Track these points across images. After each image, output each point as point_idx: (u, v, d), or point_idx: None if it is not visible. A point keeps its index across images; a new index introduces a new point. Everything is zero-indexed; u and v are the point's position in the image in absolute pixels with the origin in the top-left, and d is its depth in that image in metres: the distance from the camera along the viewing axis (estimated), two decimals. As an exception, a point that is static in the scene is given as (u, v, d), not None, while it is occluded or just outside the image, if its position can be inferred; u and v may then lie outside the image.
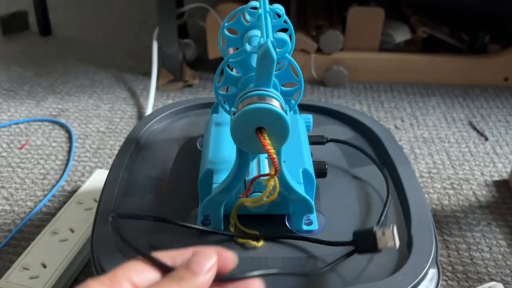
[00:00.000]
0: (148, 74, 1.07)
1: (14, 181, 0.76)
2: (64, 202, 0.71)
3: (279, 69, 0.43)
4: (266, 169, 0.45)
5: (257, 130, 0.37)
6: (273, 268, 0.41)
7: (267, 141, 0.36)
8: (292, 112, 0.50)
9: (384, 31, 1.04)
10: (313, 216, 0.45)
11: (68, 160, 0.81)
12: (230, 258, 0.31)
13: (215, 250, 0.31)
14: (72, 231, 0.62)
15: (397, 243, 0.36)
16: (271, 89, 0.38)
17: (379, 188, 0.50)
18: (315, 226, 0.45)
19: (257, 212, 0.45)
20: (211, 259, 0.30)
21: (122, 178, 0.51)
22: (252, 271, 0.31)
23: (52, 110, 0.96)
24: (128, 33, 1.32)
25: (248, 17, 0.47)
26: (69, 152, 0.83)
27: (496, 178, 0.78)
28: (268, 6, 0.44)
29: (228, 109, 0.46)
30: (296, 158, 0.46)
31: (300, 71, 0.42)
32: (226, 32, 0.47)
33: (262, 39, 0.39)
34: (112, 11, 1.46)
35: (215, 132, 0.50)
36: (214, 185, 0.43)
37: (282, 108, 0.37)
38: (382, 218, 0.45)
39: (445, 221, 0.68)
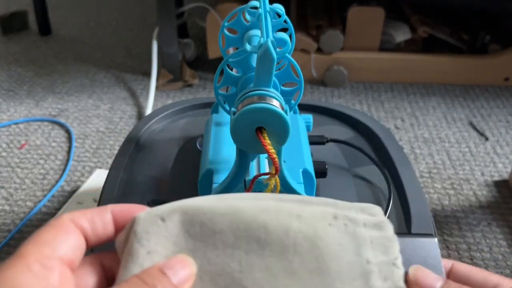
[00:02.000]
0: (148, 74, 1.07)
1: (13, 181, 0.76)
2: (64, 202, 0.71)
3: (279, 69, 0.42)
4: (266, 169, 0.44)
5: (257, 130, 0.36)
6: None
7: (267, 141, 0.36)
8: (292, 112, 0.50)
9: (384, 31, 1.04)
10: (313, 216, 0.45)
11: (67, 160, 0.81)
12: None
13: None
14: (72, 231, 0.61)
15: None
16: (271, 89, 0.38)
17: (379, 188, 0.50)
18: (315, 226, 0.44)
19: (257, 212, 0.45)
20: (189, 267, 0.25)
21: (122, 178, 0.51)
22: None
23: (51, 110, 0.96)
24: (128, 33, 1.31)
25: (248, 17, 0.47)
26: (68, 152, 0.83)
27: (496, 178, 0.78)
28: (268, 5, 0.43)
29: (228, 109, 0.46)
30: (296, 158, 0.46)
31: (300, 71, 0.42)
32: (226, 32, 0.47)
33: (262, 39, 0.39)
34: (112, 11, 1.46)
35: (215, 132, 0.50)
36: (214, 185, 0.43)
37: (282, 108, 0.37)
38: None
39: (445, 221, 0.68)
